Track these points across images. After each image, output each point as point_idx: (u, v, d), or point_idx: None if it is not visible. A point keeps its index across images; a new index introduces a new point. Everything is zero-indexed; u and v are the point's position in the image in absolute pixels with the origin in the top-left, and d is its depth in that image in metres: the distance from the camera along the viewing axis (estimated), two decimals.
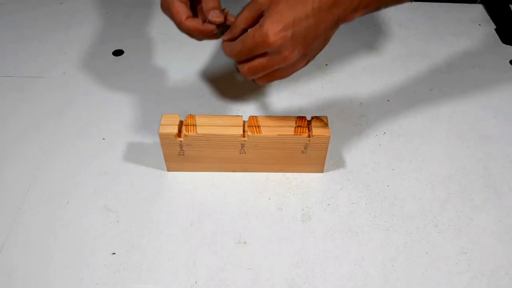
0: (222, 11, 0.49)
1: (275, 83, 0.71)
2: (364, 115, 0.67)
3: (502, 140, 0.64)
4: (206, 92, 0.66)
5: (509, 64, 0.77)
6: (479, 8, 0.89)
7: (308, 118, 0.55)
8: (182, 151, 0.56)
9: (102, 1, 0.88)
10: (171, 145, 0.55)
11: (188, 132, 0.54)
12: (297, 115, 0.55)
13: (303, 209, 0.56)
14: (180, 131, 0.54)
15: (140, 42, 0.79)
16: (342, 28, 0.83)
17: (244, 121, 0.55)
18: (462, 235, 0.53)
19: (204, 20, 0.48)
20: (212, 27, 0.49)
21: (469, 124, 0.67)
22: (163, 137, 0.54)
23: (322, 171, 0.59)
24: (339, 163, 0.61)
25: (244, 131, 0.54)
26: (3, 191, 0.57)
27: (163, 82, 0.72)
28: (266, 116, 0.55)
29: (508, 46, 0.80)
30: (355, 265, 0.51)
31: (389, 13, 0.86)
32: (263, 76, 0.49)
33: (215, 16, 0.47)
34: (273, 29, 0.43)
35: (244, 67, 0.48)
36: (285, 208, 0.56)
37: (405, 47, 0.79)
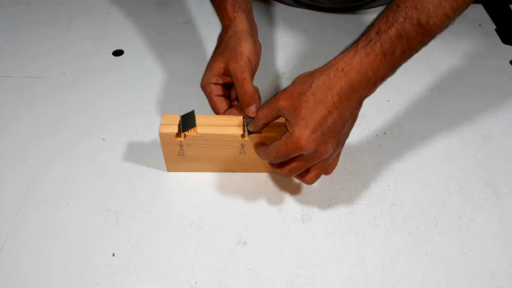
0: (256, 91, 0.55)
1: (275, 83, 0.71)
2: (364, 115, 0.67)
3: (502, 140, 0.64)
4: None
5: (509, 64, 0.77)
6: (479, 8, 0.89)
7: None
8: (182, 151, 0.56)
9: (102, 1, 0.88)
10: (171, 145, 0.55)
11: (188, 132, 0.53)
12: None
13: (303, 210, 0.56)
14: (180, 131, 0.54)
15: (140, 42, 0.79)
16: (343, 28, 0.83)
17: (244, 121, 0.55)
18: (462, 236, 0.53)
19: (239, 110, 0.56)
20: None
21: (469, 124, 0.66)
22: (163, 137, 0.54)
23: None
24: (339, 163, 0.60)
25: (244, 131, 0.54)
26: (3, 192, 0.56)
27: (163, 82, 0.72)
28: None
29: (508, 46, 0.80)
30: (355, 266, 0.50)
31: None
32: (310, 175, 0.51)
33: (251, 112, 0.53)
34: (303, 135, 0.45)
35: (285, 169, 0.50)
36: (285, 208, 0.56)
37: None
